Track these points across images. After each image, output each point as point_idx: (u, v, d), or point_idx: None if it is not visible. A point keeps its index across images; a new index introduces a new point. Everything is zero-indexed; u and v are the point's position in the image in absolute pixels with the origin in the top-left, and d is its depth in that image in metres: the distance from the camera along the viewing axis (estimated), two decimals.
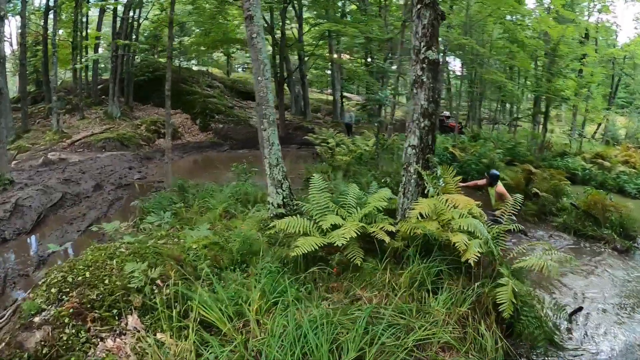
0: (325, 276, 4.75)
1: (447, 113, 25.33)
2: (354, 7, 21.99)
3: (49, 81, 15.39)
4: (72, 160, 12.66)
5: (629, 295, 6.09)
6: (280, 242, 5.39)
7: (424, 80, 5.02)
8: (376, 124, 10.87)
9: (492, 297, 4.31)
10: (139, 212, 7.29)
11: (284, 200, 6.16)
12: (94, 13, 19.83)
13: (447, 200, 4.91)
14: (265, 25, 19.11)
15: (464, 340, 3.78)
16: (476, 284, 4.34)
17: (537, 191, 9.63)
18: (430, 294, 4.14)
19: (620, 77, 22.22)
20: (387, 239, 4.50)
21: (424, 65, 4.99)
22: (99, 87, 18.90)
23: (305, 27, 21.02)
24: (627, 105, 24.93)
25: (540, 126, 19.14)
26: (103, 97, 18.39)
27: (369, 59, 25.30)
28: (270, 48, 18.97)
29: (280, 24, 18.92)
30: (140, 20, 18.79)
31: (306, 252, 4.34)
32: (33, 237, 7.78)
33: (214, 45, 19.48)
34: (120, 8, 16.42)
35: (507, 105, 26.92)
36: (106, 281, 3.73)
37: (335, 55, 22.60)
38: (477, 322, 4.02)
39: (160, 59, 22.51)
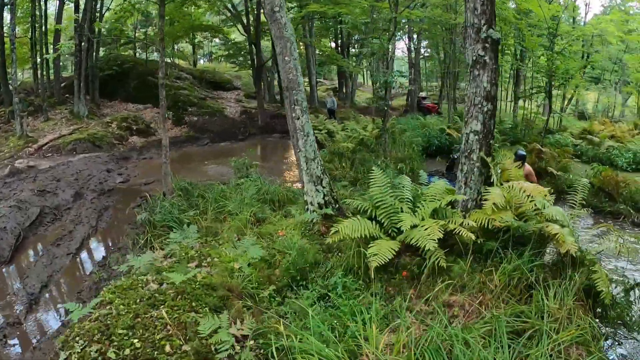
0: (397, 282, 4.21)
1: (423, 94, 25.13)
2: None
3: (7, 82, 13.74)
4: (42, 167, 11.33)
5: None
6: (331, 247, 4.78)
7: (487, 60, 4.53)
8: (385, 108, 10.35)
9: (583, 285, 3.96)
10: (148, 227, 6.33)
11: (325, 198, 5.52)
12: (52, 6, 18.06)
13: (521, 188, 4.46)
14: (234, 12, 18.12)
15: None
16: (569, 274, 3.92)
17: (553, 170, 9.48)
18: (536, 291, 3.70)
19: (589, 54, 22.73)
20: (472, 237, 3.98)
21: (487, 44, 4.50)
22: (62, 85, 17.25)
23: None
24: (596, 81, 25.69)
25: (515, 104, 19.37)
26: (67, 95, 16.77)
27: (340, 42, 24.69)
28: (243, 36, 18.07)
29: (255, 8, 17.94)
30: (103, 11, 17.20)
31: (387, 261, 3.75)
32: (14, 268, 6.29)
33: (186, 32, 18.28)
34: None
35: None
36: (167, 348, 2.65)
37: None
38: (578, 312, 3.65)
39: (123, 52, 20.98)
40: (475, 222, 4.28)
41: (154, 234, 5.91)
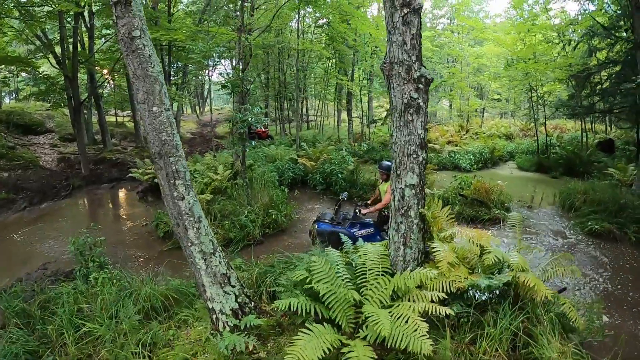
0: None
1: None
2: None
3: None
4: None
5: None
6: None
7: (421, 104, 3.98)
8: (244, 148, 9.26)
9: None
10: None
11: (239, 300, 4.19)
12: None
13: (474, 240, 4.07)
14: (45, 41, 15.07)
15: None
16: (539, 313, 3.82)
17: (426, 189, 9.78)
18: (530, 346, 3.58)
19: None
20: (452, 312, 3.36)
21: (420, 85, 3.94)
22: None
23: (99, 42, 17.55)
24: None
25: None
26: None
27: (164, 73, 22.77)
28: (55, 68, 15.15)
29: (72, 35, 15.09)
30: None
31: None
32: None
33: None
34: None
35: (294, 104, 27.84)
36: None
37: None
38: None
39: None
40: (437, 289, 3.68)
41: None
